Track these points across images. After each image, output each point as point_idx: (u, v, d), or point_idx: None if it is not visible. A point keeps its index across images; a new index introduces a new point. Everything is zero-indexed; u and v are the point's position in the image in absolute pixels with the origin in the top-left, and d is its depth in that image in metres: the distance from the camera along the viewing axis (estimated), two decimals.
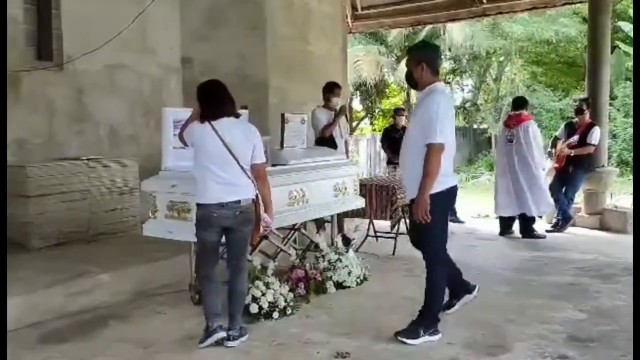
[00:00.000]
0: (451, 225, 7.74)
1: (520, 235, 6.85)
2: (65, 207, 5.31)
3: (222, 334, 3.39)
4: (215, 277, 3.49)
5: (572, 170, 7.11)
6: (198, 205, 3.38)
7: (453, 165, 3.60)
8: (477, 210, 8.77)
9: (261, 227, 3.46)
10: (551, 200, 6.83)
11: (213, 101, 3.34)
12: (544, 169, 7.00)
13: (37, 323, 3.79)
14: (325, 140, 5.76)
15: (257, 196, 3.41)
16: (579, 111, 7.27)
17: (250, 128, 3.45)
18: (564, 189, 7.23)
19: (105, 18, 6.11)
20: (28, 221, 5.11)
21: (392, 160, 8.16)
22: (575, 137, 7.10)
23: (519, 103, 7.06)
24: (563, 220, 7.23)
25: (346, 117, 6.23)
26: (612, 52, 10.08)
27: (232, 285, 3.48)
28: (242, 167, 3.31)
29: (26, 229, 5.12)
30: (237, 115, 3.42)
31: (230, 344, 3.41)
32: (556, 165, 7.31)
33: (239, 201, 3.33)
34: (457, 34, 17.41)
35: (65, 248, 5.14)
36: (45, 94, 5.86)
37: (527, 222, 6.86)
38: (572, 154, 7.05)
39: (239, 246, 3.49)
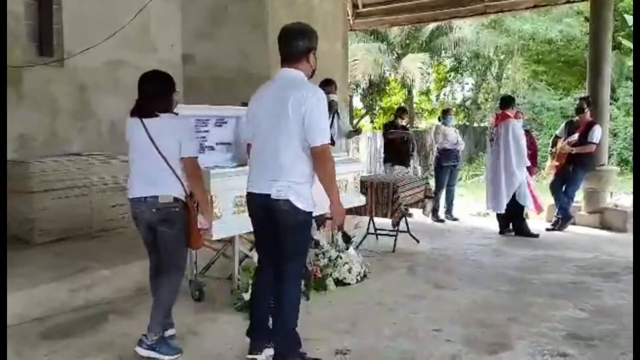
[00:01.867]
0: (446, 223, 7.88)
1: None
2: (67, 203, 5.31)
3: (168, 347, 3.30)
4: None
5: (573, 168, 7.12)
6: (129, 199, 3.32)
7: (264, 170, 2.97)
8: (477, 208, 8.77)
9: (199, 230, 3.25)
10: (503, 202, 6.83)
11: (144, 97, 3.24)
12: (527, 167, 7.02)
13: (40, 318, 3.79)
14: None
15: (189, 196, 3.22)
16: (579, 110, 7.28)
17: (177, 122, 3.25)
18: (564, 188, 7.24)
19: (107, 14, 6.11)
20: (31, 217, 5.12)
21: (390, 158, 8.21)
22: (575, 136, 7.11)
23: (505, 102, 7.11)
24: (563, 219, 7.24)
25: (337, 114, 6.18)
26: (613, 50, 10.02)
27: (158, 290, 3.33)
28: (167, 163, 3.14)
29: (29, 224, 5.13)
30: (172, 112, 3.27)
31: (137, 348, 3.23)
32: (556, 163, 7.32)
33: (157, 197, 3.15)
34: (466, 31, 17.46)
35: (67, 244, 5.15)
36: (47, 91, 5.86)
37: (518, 220, 6.89)
38: (573, 152, 7.06)
39: (163, 249, 3.27)
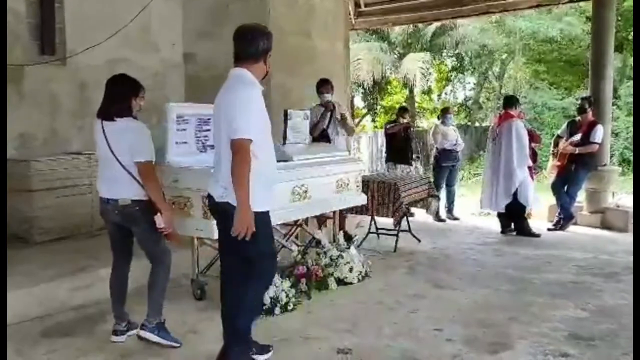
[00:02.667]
0: (447, 223, 7.86)
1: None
2: (67, 201, 5.32)
3: (121, 338, 3.48)
4: (122, 275, 3.56)
5: (575, 168, 7.10)
6: None
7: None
8: (478, 208, 8.75)
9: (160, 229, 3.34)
10: (505, 199, 6.79)
11: (105, 100, 3.36)
12: (534, 169, 6.98)
13: (40, 317, 3.80)
14: (316, 138, 5.73)
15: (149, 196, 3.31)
16: (581, 110, 7.26)
17: (131, 126, 3.30)
18: (565, 188, 7.22)
19: (108, 13, 6.11)
20: (31, 215, 5.13)
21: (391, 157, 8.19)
22: (578, 136, 7.09)
23: (508, 101, 7.11)
24: (564, 219, 7.22)
25: (341, 115, 6.08)
26: (616, 50, 9.98)
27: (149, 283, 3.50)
28: (122, 166, 3.24)
29: (29, 223, 5.14)
30: (132, 117, 3.35)
31: (139, 331, 3.43)
32: (558, 163, 7.31)
33: (117, 200, 3.30)
34: (468, 30, 17.45)
35: (68, 242, 5.15)
36: (48, 90, 5.85)
37: (520, 220, 6.88)
38: (576, 152, 7.04)
39: (140, 245, 3.46)
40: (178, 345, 3.38)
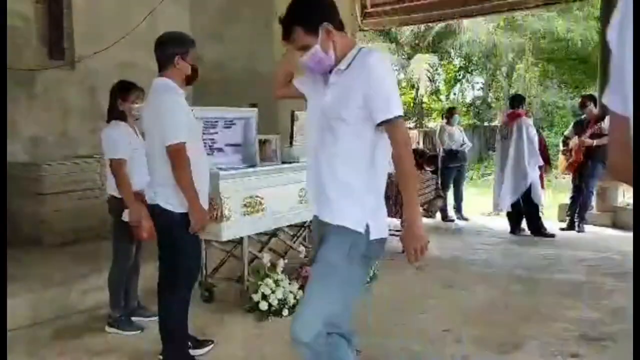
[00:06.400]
0: (456, 223, 7.83)
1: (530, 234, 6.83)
2: (79, 204, 5.36)
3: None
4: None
5: (591, 163, 7.02)
6: None
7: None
8: (487, 208, 8.72)
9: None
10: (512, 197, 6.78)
11: None
12: (540, 166, 6.93)
13: (52, 319, 3.83)
14: None
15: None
16: (582, 105, 7.23)
17: (105, 130, 3.61)
18: (583, 183, 7.15)
19: (116, 17, 6.15)
20: (43, 219, 5.17)
21: None
22: (589, 134, 7.01)
23: (515, 101, 7.14)
24: (581, 218, 7.13)
25: None
26: None
27: None
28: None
29: (41, 226, 5.18)
30: (117, 118, 3.63)
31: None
32: (572, 160, 7.22)
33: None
34: (479, 29, 17.34)
35: (80, 245, 5.19)
36: (59, 93, 5.91)
37: (535, 220, 6.83)
38: (594, 145, 6.94)
39: None
40: (137, 331, 3.66)
